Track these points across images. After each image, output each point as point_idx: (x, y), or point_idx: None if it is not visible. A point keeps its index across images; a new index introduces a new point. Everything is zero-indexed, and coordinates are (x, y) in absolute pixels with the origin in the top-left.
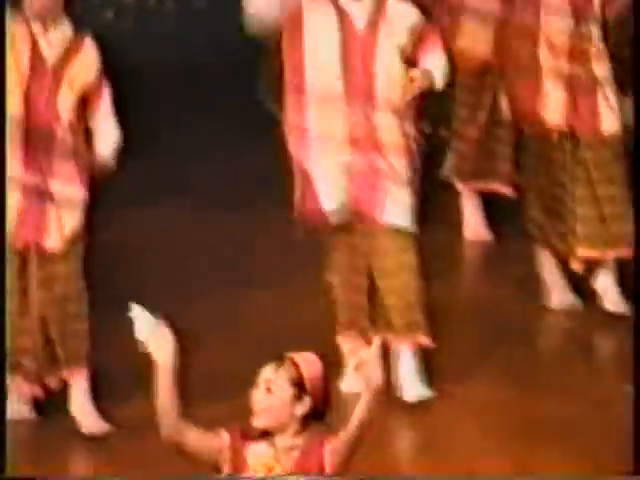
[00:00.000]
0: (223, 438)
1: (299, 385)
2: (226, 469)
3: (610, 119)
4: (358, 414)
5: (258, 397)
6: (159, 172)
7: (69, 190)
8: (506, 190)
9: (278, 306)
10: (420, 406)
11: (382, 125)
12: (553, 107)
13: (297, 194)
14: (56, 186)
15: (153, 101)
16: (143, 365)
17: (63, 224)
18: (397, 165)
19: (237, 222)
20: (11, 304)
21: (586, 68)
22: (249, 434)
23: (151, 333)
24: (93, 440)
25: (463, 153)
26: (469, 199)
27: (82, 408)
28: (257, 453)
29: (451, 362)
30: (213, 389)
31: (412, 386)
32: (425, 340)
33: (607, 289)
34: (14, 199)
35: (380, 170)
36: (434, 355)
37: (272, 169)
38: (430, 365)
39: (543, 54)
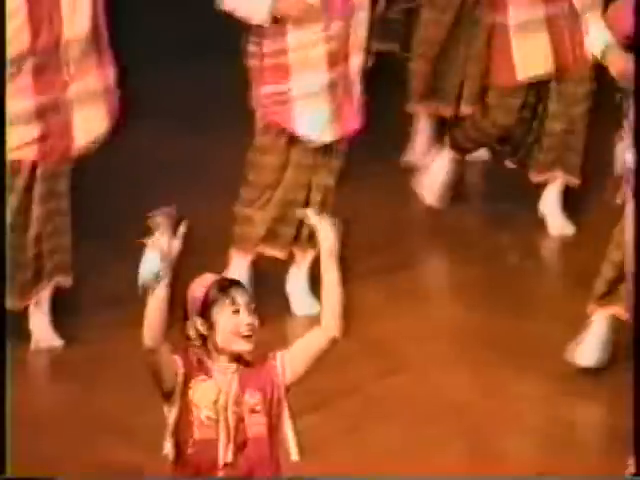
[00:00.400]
0: (178, 363)
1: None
2: (175, 398)
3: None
4: (330, 291)
5: (246, 321)
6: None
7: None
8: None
9: None
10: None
11: (353, 36)
12: (535, 58)
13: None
14: (74, 88)
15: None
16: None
17: (89, 126)
18: (355, 78)
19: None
20: (15, 220)
21: (564, 6)
22: (193, 366)
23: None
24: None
25: (420, 73)
26: (421, 121)
27: (41, 322)
28: (200, 388)
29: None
30: None
31: (302, 301)
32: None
33: (552, 212)
34: (30, 124)
35: (347, 83)
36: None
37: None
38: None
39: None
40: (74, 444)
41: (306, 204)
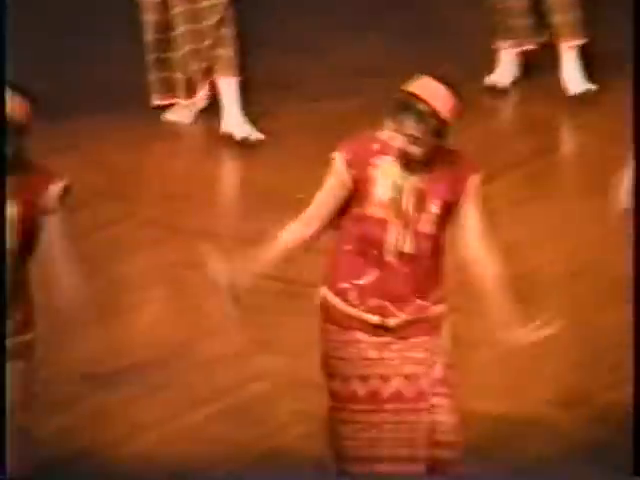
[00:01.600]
0: (346, 177)
1: (439, 123)
2: (348, 185)
3: None
4: None
5: (410, 131)
6: None
7: None
8: None
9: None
10: None
11: None
12: None
13: None
14: None
15: None
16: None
17: None
18: None
19: None
20: (152, 36)
21: None
22: (369, 149)
23: None
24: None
25: None
26: None
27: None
28: (385, 166)
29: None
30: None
31: (577, 82)
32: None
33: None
34: None
35: None
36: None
37: None
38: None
39: None
40: (240, 216)
41: None
